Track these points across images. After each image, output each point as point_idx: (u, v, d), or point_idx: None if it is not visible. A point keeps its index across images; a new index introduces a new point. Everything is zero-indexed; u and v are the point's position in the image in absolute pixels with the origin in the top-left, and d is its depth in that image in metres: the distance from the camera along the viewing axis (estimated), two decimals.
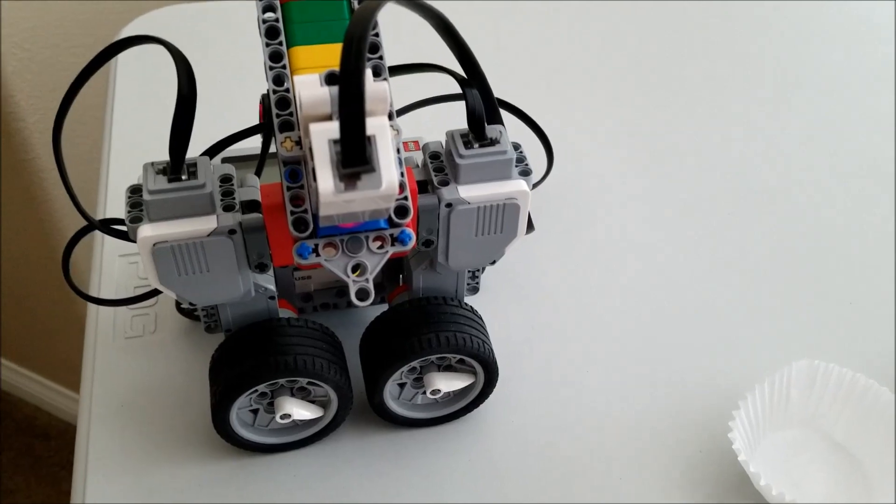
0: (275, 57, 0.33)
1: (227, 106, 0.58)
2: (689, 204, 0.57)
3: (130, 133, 0.61)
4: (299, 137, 0.31)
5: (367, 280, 0.32)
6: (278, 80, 0.33)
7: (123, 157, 0.59)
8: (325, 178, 0.27)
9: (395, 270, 0.46)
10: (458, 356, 0.40)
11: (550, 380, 0.46)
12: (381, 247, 0.33)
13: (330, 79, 0.30)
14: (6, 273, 1.19)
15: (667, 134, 0.63)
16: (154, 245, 0.35)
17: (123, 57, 0.66)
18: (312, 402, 0.41)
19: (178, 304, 0.47)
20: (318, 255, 0.32)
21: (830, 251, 0.54)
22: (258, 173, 0.43)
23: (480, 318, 0.42)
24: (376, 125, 0.27)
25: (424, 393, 0.41)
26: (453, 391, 0.42)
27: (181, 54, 0.34)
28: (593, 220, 0.56)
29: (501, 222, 0.38)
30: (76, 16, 0.98)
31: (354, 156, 0.26)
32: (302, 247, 0.32)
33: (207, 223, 0.35)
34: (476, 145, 0.37)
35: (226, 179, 0.37)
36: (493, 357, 0.41)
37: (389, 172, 0.27)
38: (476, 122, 0.36)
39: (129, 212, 0.36)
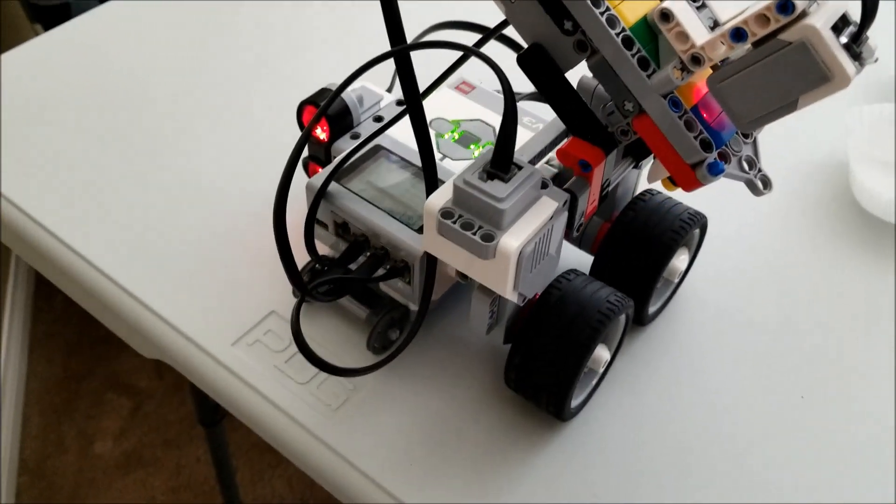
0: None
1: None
2: None
3: None
4: (682, 63, 0.30)
5: (759, 170, 0.33)
6: (612, 21, 0.30)
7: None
8: (847, 64, 0.27)
9: None
10: None
11: None
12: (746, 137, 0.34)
13: None
14: None
15: None
16: (521, 252, 0.32)
17: None
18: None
19: (368, 343, 0.41)
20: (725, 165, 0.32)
21: None
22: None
23: None
24: None
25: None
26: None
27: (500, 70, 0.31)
28: None
29: None
30: None
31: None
32: (716, 165, 0.31)
33: (548, 206, 0.33)
34: None
35: None
36: None
37: None
38: None
39: (473, 233, 0.31)
